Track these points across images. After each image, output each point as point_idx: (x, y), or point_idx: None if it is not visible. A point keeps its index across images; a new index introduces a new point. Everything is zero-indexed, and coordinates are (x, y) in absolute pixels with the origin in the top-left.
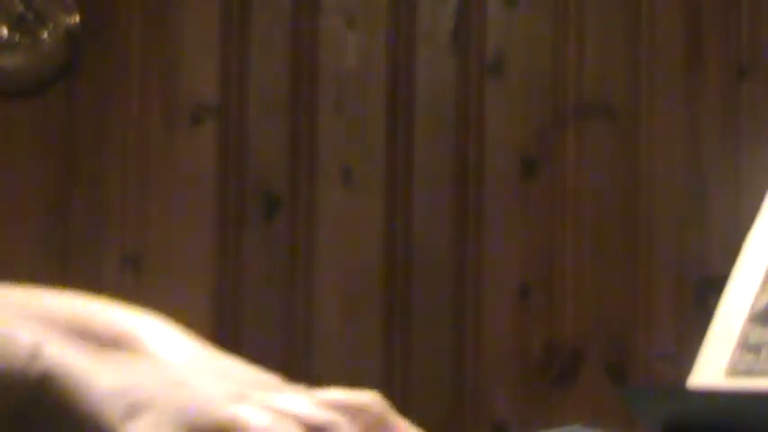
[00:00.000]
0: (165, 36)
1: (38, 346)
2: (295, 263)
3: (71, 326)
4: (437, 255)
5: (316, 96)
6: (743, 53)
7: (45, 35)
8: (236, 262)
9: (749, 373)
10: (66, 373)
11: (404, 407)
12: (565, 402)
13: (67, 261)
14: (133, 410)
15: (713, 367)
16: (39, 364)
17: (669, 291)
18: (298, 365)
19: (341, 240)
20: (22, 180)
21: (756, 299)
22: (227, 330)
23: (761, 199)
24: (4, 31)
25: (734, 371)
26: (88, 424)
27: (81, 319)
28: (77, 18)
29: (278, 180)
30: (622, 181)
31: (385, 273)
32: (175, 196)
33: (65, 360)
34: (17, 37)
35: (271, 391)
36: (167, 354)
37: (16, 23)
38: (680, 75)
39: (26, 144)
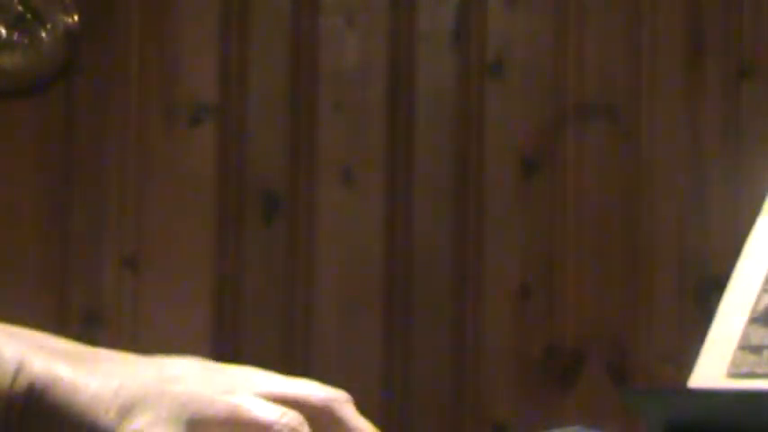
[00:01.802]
0: (165, 36)
1: (22, 360)
2: (295, 263)
3: (55, 345)
4: (437, 255)
5: (316, 96)
6: (743, 53)
7: (43, 35)
8: (236, 262)
9: (750, 374)
10: (54, 381)
11: (404, 407)
12: (565, 403)
13: (67, 261)
14: (128, 410)
15: (714, 368)
16: (24, 377)
17: (669, 291)
18: (297, 365)
19: (341, 240)
20: (21, 180)
21: (758, 299)
22: (227, 331)
23: (761, 199)
24: (3, 31)
25: (735, 372)
26: (84, 428)
27: (63, 342)
28: (76, 18)
29: (278, 180)
30: (622, 181)
31: (385, 273)
32: (175, 196)
33: (52, 370)
34: (15, 36)
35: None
36: (154, 358)
37: (15, 23)
38: (680, 75)
39: (25, 144)
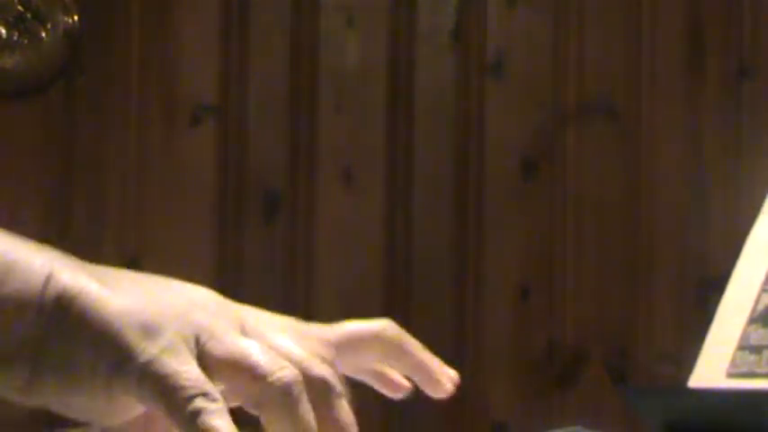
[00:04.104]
0: (165, 36)
1: (52, 271)
2: (295, 263)
3: (81, 263)
4: (437, 255)
5: (316, 96)
6: (743, 53)
7: (43, 35)
8: (236, 262)
9: (750, 374)
10: (83, 292)
11: (404, 407)
12: (565, 403)
13: None
14: (152, 327)
15: (714, 368)
16: (53, 286)
17: (669, 291)
18: None
19: (341, 240)
20: (21, 180)
21: (757, 299)
22: None
23: (761, 199)
24: (3, 31)
25: (735, 372)
26: (104, 340)
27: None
28: (76, 18)
29: (278, 180)
30: (622, 181)
31: (385, 273)
32: (175, 196)
33: (80, 282)
34: (15, 36)
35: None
36: (177, 282)
37: (15, 23)
38: (681, 75)
39: (25, 144)
